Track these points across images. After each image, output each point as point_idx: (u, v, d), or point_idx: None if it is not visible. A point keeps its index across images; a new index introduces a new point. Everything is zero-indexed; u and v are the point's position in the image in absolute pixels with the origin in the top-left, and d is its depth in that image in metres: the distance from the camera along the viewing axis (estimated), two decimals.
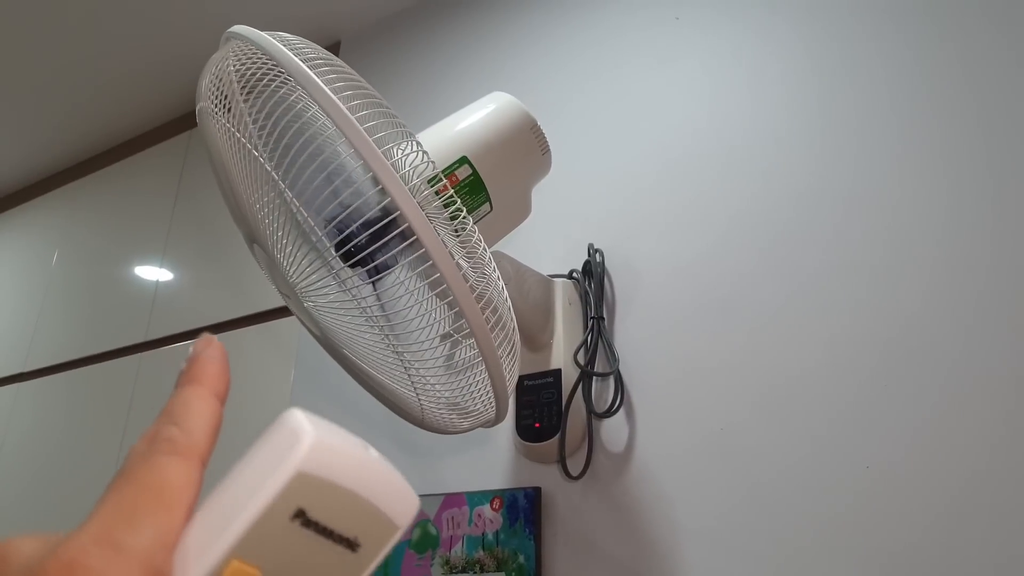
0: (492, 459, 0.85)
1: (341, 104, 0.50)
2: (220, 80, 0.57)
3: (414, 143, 0.56)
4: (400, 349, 0.56)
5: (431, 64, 1.16)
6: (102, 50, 1.36)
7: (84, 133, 1.62)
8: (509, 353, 0.60)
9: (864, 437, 0.66)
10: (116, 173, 1.61)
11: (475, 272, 0.57)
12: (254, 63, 0.55)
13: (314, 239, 0.58)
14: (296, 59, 0.52)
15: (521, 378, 0.83)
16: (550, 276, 0.85)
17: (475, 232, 0.57)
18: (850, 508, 0.64)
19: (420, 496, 0.84)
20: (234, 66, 0.56)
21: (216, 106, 0.57)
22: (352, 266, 0.58)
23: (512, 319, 0.59)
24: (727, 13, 0.91)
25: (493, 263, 0.58)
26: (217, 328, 1.22)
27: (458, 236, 0.57)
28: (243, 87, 0.55)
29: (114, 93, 1.48)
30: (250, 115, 0.55)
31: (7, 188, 1.86)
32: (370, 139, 0.50)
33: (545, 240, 0.92)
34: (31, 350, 1.53)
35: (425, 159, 0.57)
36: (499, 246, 0.87)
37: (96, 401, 1.34)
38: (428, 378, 0.57)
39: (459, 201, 0.56)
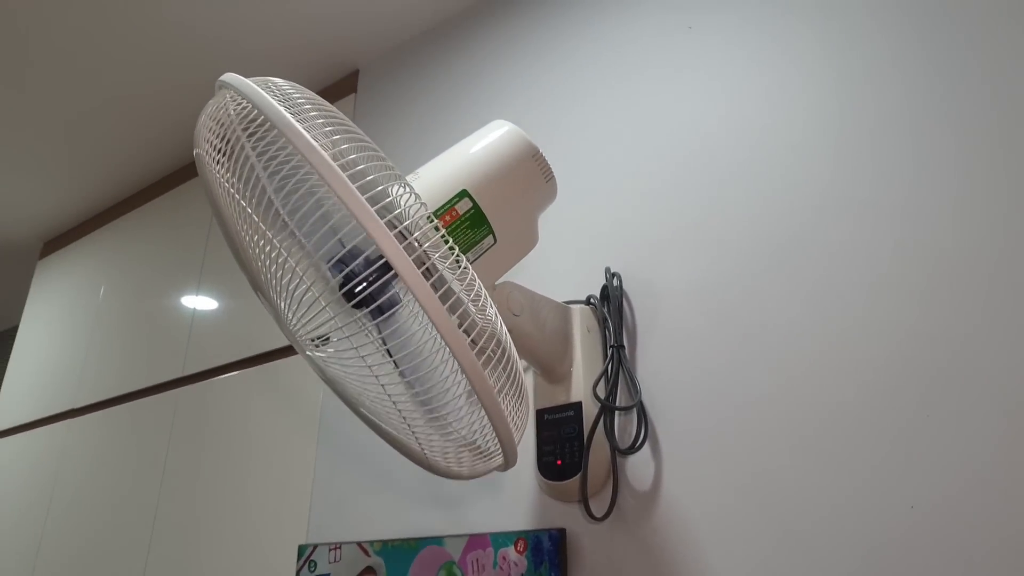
0: (517, 496, 0.82)
1: (322, 151, 0.48)
2: (219, 125, 0.56)
3: (404, 186, 0.54)
4: (395, 399, 0.54)
5: (447, 87, 1.15)
6: (138, 92, 1.39)
7: (128, 172, 1.66)
8: (512, 393, 0.57)
9: (907, 473, 0.60)
10: (156, 208, 1.65)
11: (471, 311, 0.55)
12: (245, 111, 0.54)
13: (311, 280, 0.56)
14: (279, 107, 0.50)
15: (541, 412, 0.80)
16: (567, 303, 0.82)
17: (469, 271, 0.54)
18: (894, 552, 0.59)
19: (444, 537, 0.82)
20: (233, 111, 0.55)
21: (210, 153, 0.56)
22: (356, 306, 0.56)
23: (513, 356, 0.56)
24: (740, 21, 0.86)
25: (489, 300, 0.55)
26: (251, 361, 1.23)
27: (453, 274, 0.55)
28: (223, 139, 0.54)
29: (152, 132, 1.51)
30: (237, 165, 0.54)
31: (57, 229, 1.92)
32: (352, 185, 0.48)
33: (561, 265, 0.89)
34: (81, 386, 1.57)
35: (417, 200, 0.55)
36: (513, 274, 0.84)
37: (139, 437, 1.36)
38: (420, 425, 0.55)
39: (451, 240, 0.54)
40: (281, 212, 0.54)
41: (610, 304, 0.81)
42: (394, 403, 0.55)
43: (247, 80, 0.52)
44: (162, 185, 1.67)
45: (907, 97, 0.72)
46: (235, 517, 1.11)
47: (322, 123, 0.56)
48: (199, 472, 1.20)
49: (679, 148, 0.85)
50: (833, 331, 0.68)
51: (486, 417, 0.52)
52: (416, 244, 0.52)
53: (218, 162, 0.54)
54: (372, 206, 0.49)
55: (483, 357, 0.54)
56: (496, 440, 0.54)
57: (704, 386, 0.74)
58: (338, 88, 1.33)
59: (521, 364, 0.89)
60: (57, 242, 1.94)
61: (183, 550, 1.16)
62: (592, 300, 0.83)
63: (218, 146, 0.54)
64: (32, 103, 1.44)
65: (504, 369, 0.56)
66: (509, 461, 0.58)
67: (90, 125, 1.50)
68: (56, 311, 1.79)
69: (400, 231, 0.52)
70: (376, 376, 0.54)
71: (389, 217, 0.54)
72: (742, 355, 0.72)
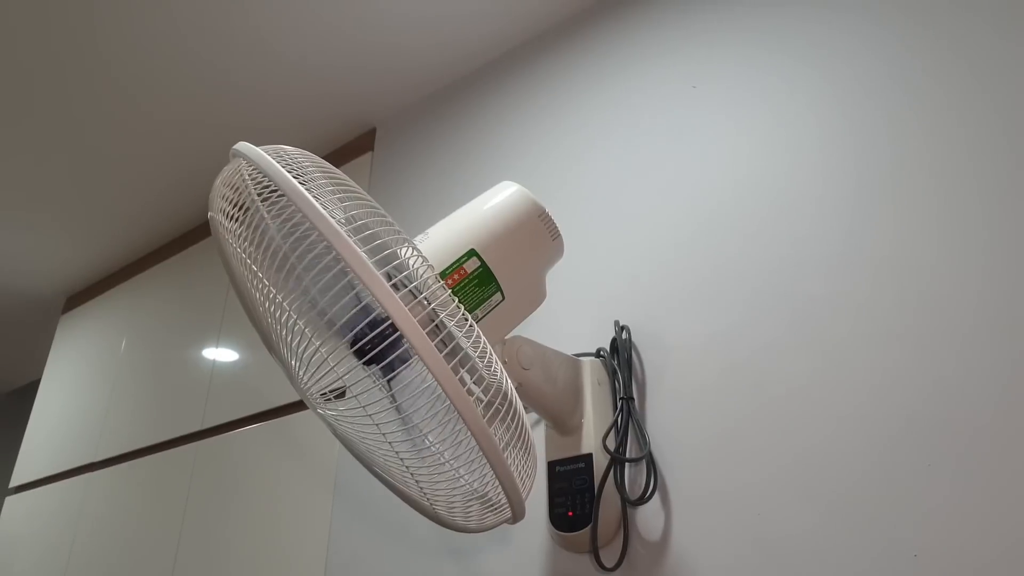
0: (531, 548, 0.83)
1: (330, 218, 0.51)
2: (233, 191, 0.58)
3: (411, 248, 0.57)
4: (402, 455, 0.55)
5: (461, 145, 1.18)
6: (157, 154, 1.45)
7: (149, 229, 1.71)
8: (519, 447, 0.58)
9: (910, 522, 0.61)
10: (177, 263, 1.69)
11: (479, 366, 0.56)
12: (257, 179, 0.57)
13: (319, 341, 0.57)
14: (289, 176, 0.53)
15: (552, 464, 0.81)
16: (577, 355, 0.84)
17: (475, 328, 0.56)
18: None
19: None
20: (248, 175, 0.58)
21: (224, 216, 0.58)
22: (367, 363, 0.58)
23: (519, 410, 0.58)
24: (745, 79, 0.89)
25: (494, 355, 0.57)
26: (269, 414, 1.24)
27: (460, 331, 0.57)
28: (239, 206, 0.57)
29: (172, 192, 1.57)
30: (251, 230, 0.56)
31: (80, 284, 1.97)
32: (358, 249, 0.50)
33: (571, 319, 0.91)
34: (101, 439, 1.59)
35: (424, 262, 0.57)
36: (524, 328, 0.86)
37: (159, 491, 1.38)
38: (425, 479, 0.56)
39: (456, 299, 0.56)
40: (296, 267, 0.56)
41: (619, 357, 0.82)
42: (401, 460, 0.56)
43: (259, 149, 0.55)
44: (183, 241, 1.72)
45: (925, 148, 0.74)
46: (252, 572, 1.11)
47: (332, 189, 0.59)
48: (217, 526, 1.21)
49: (687, 204, 0.87)
50: (835, 380, 0.69)
51: (491, 472, 0.53)
52: (425, 302, 0.54)
53: (233, 223, 0.57)
54: (381, 268, 0.52)
55: (490, 411, 0.55)
56: (496, 495, 0.56)
57: (713, 438, 0.74)
58: (356, 145, 1.38)
59: (531, 417, 0.90)
60: (80, 297, 1.98)
61: None
62: (602, 353, 0.84)
63: (231, 213, 0.56)
64: (56, 164, 1.50)
65: (511, 423, 0.58)
66: (517, 514, 0.59)
67: (112, 184, 1.56)
68: (78, 365, 1.83)
69: (410, 290, 0.55)
70: (384, 434, 0.55)
71: (399, 277, 0.56)
72: (750, 408, 0.73)
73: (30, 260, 1.86)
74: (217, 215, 0.59)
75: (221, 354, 1.41)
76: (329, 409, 0.58)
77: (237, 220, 0.57)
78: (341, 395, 0.59)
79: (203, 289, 1.55)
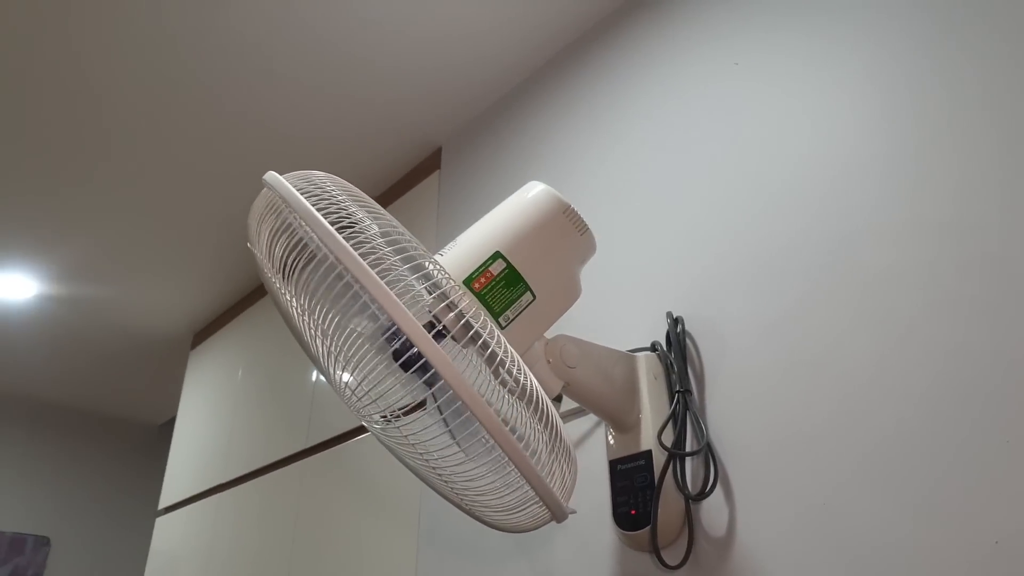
0: (597, 547, 0.82)
1: (347, 245, 0.53)
2: (258, 222, 0.62)
3: (432, 262, 0.58)
4: (440, 470, 0.56)
5: (522, 153, 1.19)
6: (251, 194, 1.56)
7: (252, 265, 1.84)
8: (553, 449, 0.58)
9: (990, 506, 0.55)
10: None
11: (501, 371, 0.57)
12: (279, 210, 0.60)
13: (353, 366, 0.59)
14: (306, 203, 0.55)
15: (614, 463, 0.80)
16: (632, 351, 0.82)
17: (495, 336, 0.56)
18: None
19: None
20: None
21: (262, 254, 0.62)
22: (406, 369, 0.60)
23: (548, 411, 0.58)
24: (790, 48, 0.85)
25: (517, 359, 0.57)
26: (360, 430, 1.30)
27: (479, 340, 0.57)
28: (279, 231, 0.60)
29: None
30: (282, 264, 0.59)
31: (204, 320, 2.14)
32: (374, 273, 0.52)
33: (625, 314, 0.89)
34: (228, 461, 1.72)
35: (442, 272, 0.58)
36: (577, 326, 0.86)
37: (273, 507, 1.47)
38: (460, 480, 0.57)
39: (475, 308, 0.56)
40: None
41: (674, 349, 0.80)
42: (439, 474, 0.57)
43: (282, 179, 0.58)
44: None
45: (985, 103, 0.68)
46: (356, 568, 1.17)
47: (362, 207, 0.61)
48: (322, 537, 1.28)
49: (736, 185, 0.84)
50: (902, 357, 0.64)
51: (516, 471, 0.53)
52: (444, 313, 0.55)
53: (264, 251, 0.60)
54: (412, 276, 0.54)
55: (513, 415, 0.56)
56: (529, 501, 0.56)
57: (775, 424, 0.71)
58: (424, 167, 1.42)
59: (591, 418, 0.89)
60: (205, 332, 2.15)
61: None
62: (657, 346, 0.82)
63: (264, 242, 0.60)
64: (180, 211, 1.64)
65: (541, 423, 0.58)
66: (556, 514, 0.58)
67: (222, 223, 1.68)
68: (205, 395, 1.98)
69: (430, 299, 0.56)
70: (421, 453, 0.57)
71: (421, 287, 0.57)
72: (808, 388, 0.69)
73: (161, 302, 2.05)
74: (256, 250, 0.63)
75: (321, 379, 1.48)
76: (376, 425, 0.60)
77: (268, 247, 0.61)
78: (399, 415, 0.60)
79: None
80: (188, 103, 1.32)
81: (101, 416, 3.00)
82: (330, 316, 0.57)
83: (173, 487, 1.96)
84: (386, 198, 1.51)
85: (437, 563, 1.03)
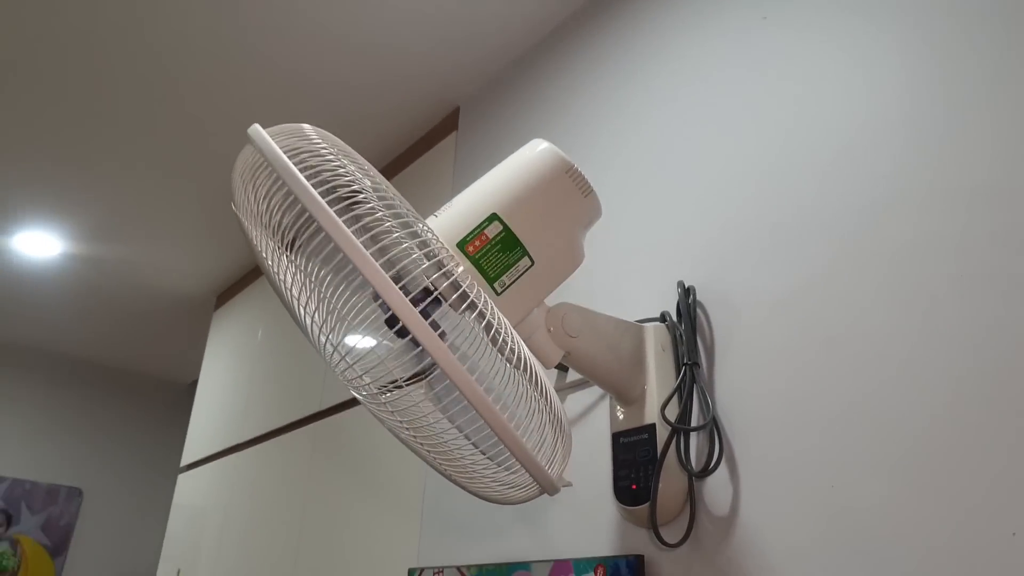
0: (600, 521, 0.79)
1: (328, 207, 0.50)
2: (242, 180, 0.60)
3: (423, 226, 0.55)
4: (422, 440, 0.54)
5: (541, 113, 1.15)
6: None
7: None
8: (543, 421, 0.55)
9: (1008, 496, 0.51)
10: None
11: (479, 344, 0.54)
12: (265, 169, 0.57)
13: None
14: (288, 161, 0.53)
15: (617, 435, 0.77)
16: (641, 321, 0.79)
17: (481, 298, 0.53)
18: None
19: (532, 562, 0.81)
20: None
21: (243, 211, 0.60)
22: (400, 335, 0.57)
23: (541, 380, 0.55)
24: (818, 3, 0.79)
25: (511, 332, 0.54)
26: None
27: (465, 304, 0.54)
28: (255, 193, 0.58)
29: None
30: (265, 205, 0.57)
31: (227, 282, 2.15)
32: (354, 237, 0.49)
33: (636, 283, 0.86)
34: (245, 422, 1.73)
35: (433, 237, 0.55)
36: (586, 295, 0.82)
37: (285, 468, 1.47)
38: (444, 458, 0.55)
39: (461, 270, 0.54)
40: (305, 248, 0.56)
41: (683, 319, 0.76)
42: (423, 445, 0.55)
43: (264, 134, 0.55)
44: None
45: (1019, 63, 0.62)
46: (361, 540, 1.16)
47: (347, 171, 0.58)
48: (332, 498, 1.28)
49: (753, 147, 0.80)
50: (930, 340, 0.60)
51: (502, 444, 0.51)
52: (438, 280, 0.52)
53: (247, 212, 0.58)
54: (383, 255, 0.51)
55: (500, 383, 0.53)
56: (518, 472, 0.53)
57: (786, 401, 0.67)
58: (442, 127, 1.39)
59: (595, 390, 0.87)
60: (227, 294, 2.16)
61: (323, 569, 1.24)
62: (666, 316, 0.79)
63: (246, 204, 0.57)
64: (203, 172, 1.63)
65: (533, 393, 0.55)
66: (545, 487, 0.56)
67: None
68: (227, 355, 1.99)
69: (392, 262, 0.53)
70: (407, 429, 0.55)
71: (421, 253, 0.54)
72: (827, 366, 0.65)
73: (186, 263, 2.06)
74: (240, 211, 0.60)
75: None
76: (363, 394, 0.57)
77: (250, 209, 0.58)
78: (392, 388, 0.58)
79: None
80: (217, 59, 1.30)
81: (134, 374, 3.06)
82: (325, 281, 0.54)
83: (194, 445, 1.99)
84: (404, 159, 1.48)
85: (441, 523, 1.02)
